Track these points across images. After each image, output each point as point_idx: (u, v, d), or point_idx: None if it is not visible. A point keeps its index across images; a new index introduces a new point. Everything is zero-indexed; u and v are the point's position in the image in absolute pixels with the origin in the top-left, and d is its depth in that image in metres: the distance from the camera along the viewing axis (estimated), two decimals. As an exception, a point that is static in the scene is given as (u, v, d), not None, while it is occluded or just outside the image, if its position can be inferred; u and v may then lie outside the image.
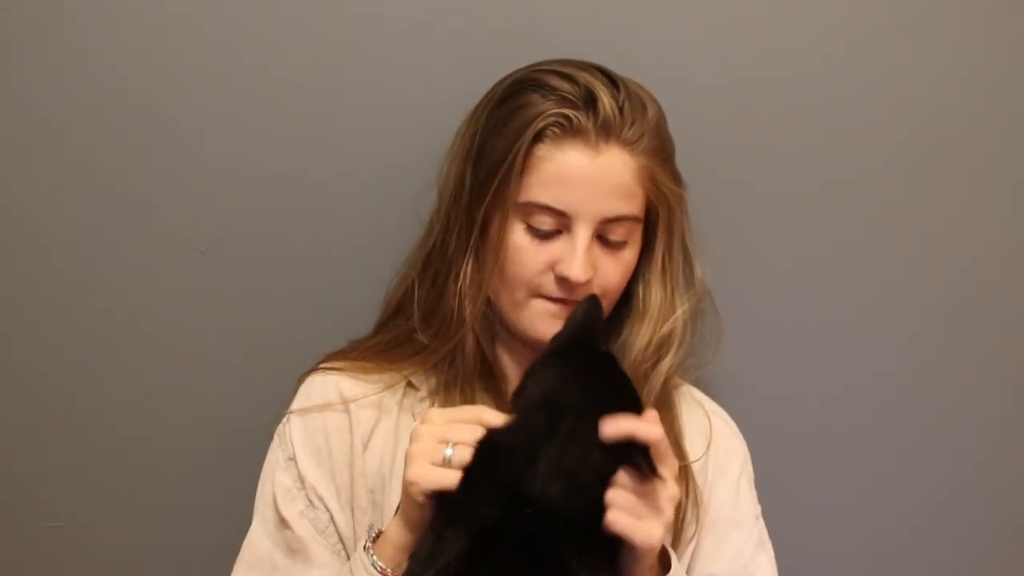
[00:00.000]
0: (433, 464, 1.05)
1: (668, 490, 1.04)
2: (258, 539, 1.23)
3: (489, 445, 1.06)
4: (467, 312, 1.20)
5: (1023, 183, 1.49)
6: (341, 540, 1.22)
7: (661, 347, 1.23)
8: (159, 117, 1.40)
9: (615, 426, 1.02)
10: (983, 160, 1.48)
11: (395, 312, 1.29)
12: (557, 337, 1.12)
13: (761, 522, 1.29)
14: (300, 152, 1.42)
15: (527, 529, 1.01)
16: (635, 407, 1.08)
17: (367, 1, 1.39)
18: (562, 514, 1.01)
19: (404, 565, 1.07)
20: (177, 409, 1.47)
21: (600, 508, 1.03)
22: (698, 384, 1.34)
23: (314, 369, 1.27)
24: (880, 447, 1.53)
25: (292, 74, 1.40)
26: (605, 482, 1.03)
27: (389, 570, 1.10)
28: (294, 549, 1.21)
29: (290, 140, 1.41)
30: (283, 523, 1.22)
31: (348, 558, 1.20)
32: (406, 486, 1.06)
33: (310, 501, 1.22)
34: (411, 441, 1.08)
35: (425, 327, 1.23)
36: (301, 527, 1.21)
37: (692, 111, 1.43)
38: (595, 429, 1.03)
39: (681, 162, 1.43)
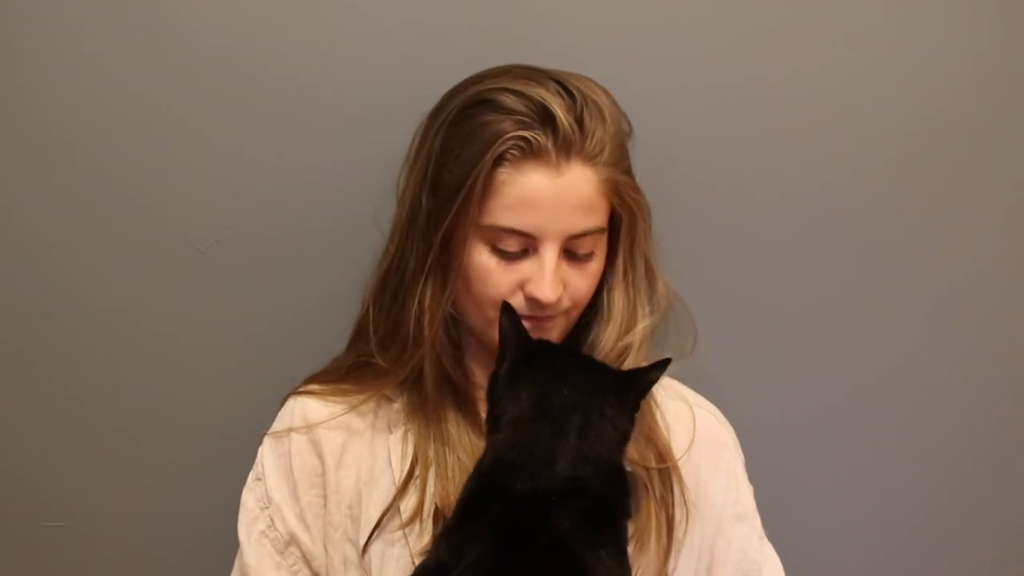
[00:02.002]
0: None
1: None
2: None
3: (495, 467, 1.09)
4: (426, 334, 1.19)
5: (1022, 183, 1.50)
6: (305, 558, 1.24)
7: (624, 352, 1.23)
8: (159, 117, 1.40)
9: None
10: (981, 162, 1.48)
11: (358, 334, 1.29)
12: (503, 357, 1.14)
13: (757, 513, 1.29)
14: (300, 153, 1.42)
15: (552, 520, 1.03)
16: (611, 371, 1.16)
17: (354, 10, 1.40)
18: (591, 490, 1.06)
19: None
20: (177, 409, 1.47)
21: (622, 479, 1.10)
22: (697, 389, 1.34)
23: (292, 391, 1.28)
24: (879, 451, 1.53)
25: (292, 75, 1.40)
26: (622, 448, 1.12)
27: None
28: (244, 574, 1.25)
29: (290, 141, 1.41)
30: (240, 550, 1.25)
31: (311, 575, 1.24)
32: None
33: (272, 521, 1.24)
34: None
35: (383, 351, 1.23)
36: (255, 551, 1.24)
37: (690, 113, 1.44)
38: (601, 411, 1.09)
39: (677, 165, 1.44)
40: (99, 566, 1.50)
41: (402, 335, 1.21)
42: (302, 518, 1.23)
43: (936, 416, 1.53)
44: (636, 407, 1.15)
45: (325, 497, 1.23)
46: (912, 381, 1.52)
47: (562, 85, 1.17)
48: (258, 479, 1.26)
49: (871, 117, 1.45)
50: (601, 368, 1.17)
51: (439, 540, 1.09)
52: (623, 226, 1.22)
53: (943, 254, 1.49)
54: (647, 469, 1.20)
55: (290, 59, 1.40)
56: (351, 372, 1.26)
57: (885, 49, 1.44)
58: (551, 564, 1.03)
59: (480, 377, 1.25)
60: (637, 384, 1.14)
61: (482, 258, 1.17)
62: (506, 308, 1.14)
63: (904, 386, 1.52)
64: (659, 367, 1.14)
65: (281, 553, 1.24)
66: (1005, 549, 1.57)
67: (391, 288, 1.23)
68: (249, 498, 1.26)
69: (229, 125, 1.41)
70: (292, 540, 1.23)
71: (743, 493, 1.28)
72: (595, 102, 1.18)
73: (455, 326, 1.24)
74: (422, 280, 1.19)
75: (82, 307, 1.44)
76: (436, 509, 1.18)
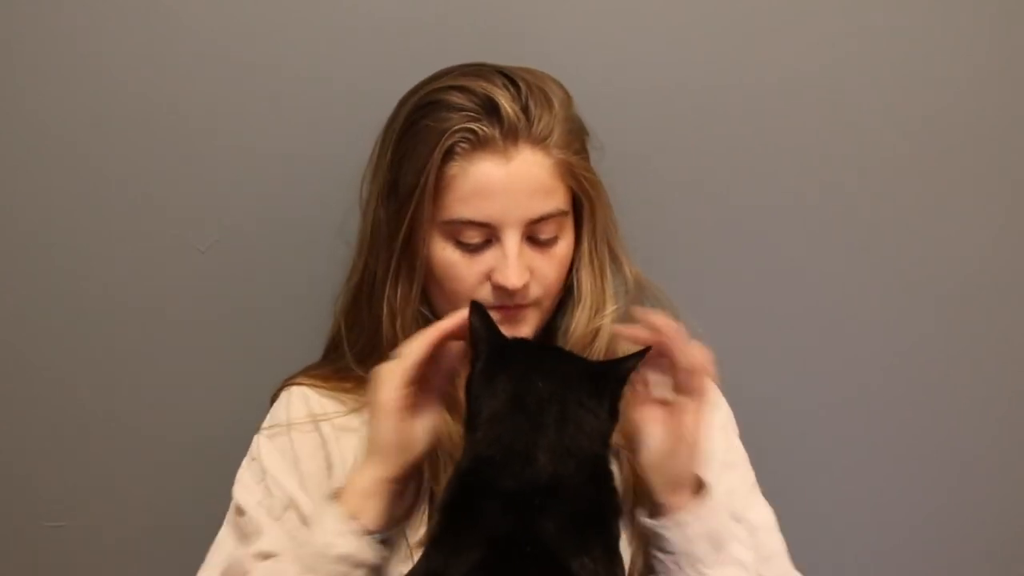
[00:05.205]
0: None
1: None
2: (222, 540, 1.24)
3: (476, 465, 1.07)
4: (400, 337, 1.19)
5: (1022, 183, 1.50)
6: (304, 522, 1.21)
7: (595, 336, 1.24)
8: (159, 117, 1.40)
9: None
10: (981, 162, 1.48)
11: (333, 348, 1.29)
12: (477, 356, 1.13)
13: (751, 470, 1.28)
14: (301, 153, 1.42)
15: (539, 526, 1.02)
16: (586, 362, 1.14)
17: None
18: (574, 490, 1.04)
19: (371, 514, 1.08)
20: (177, 408, 1.47)
21: (606, 476, 1.08)
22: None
23: (287, 382, 1.29)
24: (878, 451, 1.54)
25: (293, 75, 1.40)
26: (605, 441, 1.09)
27: (354, 519, 1.08)
28: (247, 533, 1.21)
29: (291, 141, 1.42)
30: (238, 511, 1.23)
31: None
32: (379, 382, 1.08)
33: (269, 490, 1.23)
34: None
35: (362, 364, 1.23)
36: (255, 512, 1.22)
37: (693, 110, 1.44)
38: (577, 399, 1.07)
39: (678, 161, 1.44)
40: (99, 566, 1.51)
41: (379, 343, 1.22)
42: (302, 483, 1.22)
43: (936, 416, 1.53)
44: (618, 396, 1.13)
45: (330, 465, 1.23)
46: (911, 380, 1.52)
47: (507, 76, 1.18)
48: (253, 459, 1.26)
49: (870, 117, 1.45)
50: (576, 360, 1.15)
51: (427, 549, 1.07)
52: (584, 209, 1.23)
53: (942, 254, 1.49)
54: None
55: (291, 59, 1.40)
56: (338, 375, 1.27)
57: (885, 49, 1.44)
58: None
59: (460, 374, 1.25)
60: (615, 373, 1.12)
61: (445, 253, 1.18)
62: (475, 307, 1.13)
63: (903, 385, 1.52)
64: (637, 356, 1.13)
65: (277, 518, 1.22)
66: (1005, 549, 1.57)
67: (363, 301, 1.24)
68: (245, 475, 1.25)
69: (229, 125, 1.41)
70: (290, 504, 1.22)
71: (734, 447, 1.27)
72: (541, 89, 1.19)
73: (428, 324, 1.23)
74: (388, 285, 1.20)
75: (82, 307, 1.44)
76: (431, 499, 1.18)
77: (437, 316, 1.24)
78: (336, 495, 1.10)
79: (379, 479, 1.09)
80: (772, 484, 1.29)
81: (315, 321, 1.36)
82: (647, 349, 1.14)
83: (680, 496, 1.11)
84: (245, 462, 1.27)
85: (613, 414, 1.12)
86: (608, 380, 1.12)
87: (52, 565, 1.50)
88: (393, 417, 1.09)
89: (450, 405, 1.23)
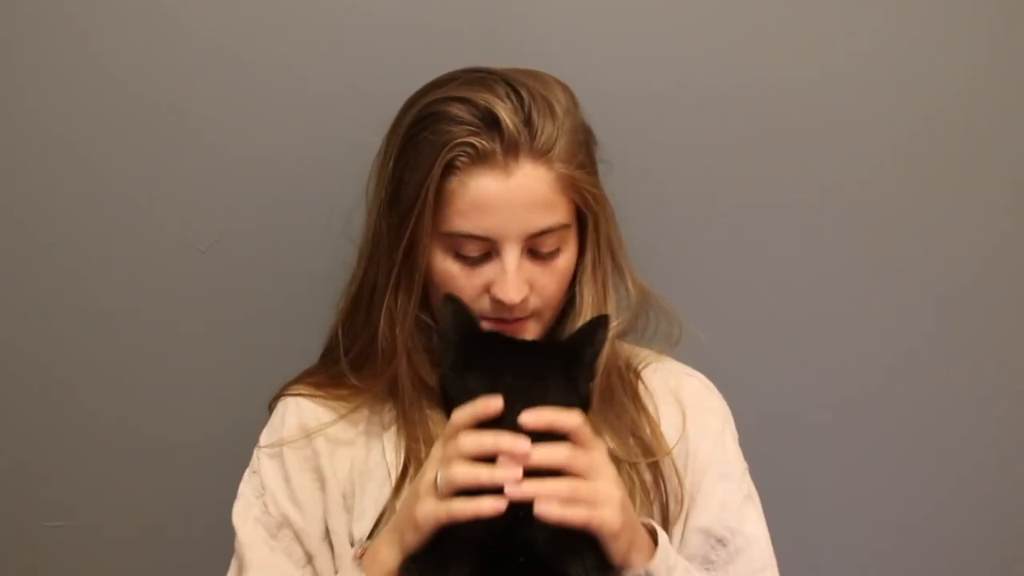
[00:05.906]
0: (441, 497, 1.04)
1: (603, 473, 1.05)
2: (231, 567, 1.25)
3: None
4: (397, 344, 1.20)
5: (1022, 183, 1.50)
6: (298, 537, 1.23)
7: None
8: (159, 117, 1.40)
9: (536, 418, 1.03)
10: (981, 162, 1.48)
11: (329, 353, 1.29)
12: (446, 350, 1.12)
13: (748, 477, 1.27)
14: (301, 153, 1.42)
15: (529, 536, 1.01)
16: (556, 347, 1.11)
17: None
18: None
19: None
20: (177, 408, 1.47)
21: None
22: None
23: (283, 392, 1.29)
24: (878, 451, 1.53)
25: (293, 75, 1.40)
26: None
27: None
28: (240, 554, 1.23)
29: (291, 141, 1.42)
30: (236, 537, 1.24)
31: (304, 555, 1.22)
32: (418, 519, 1.05)
33: (265, 507, 1.24)
34: (423, 471, 1.08)
35: (356, 371, 1.24)
36: (248, 533, 1.23)
37: (692, 111, 1.44)
38: (544, 396, 1.05)
39: (677, 162, 1.44)
40: (99, 566, 1.51)
41: (374, 351, 1.21)
42: (294, 499, 1.23)
43: (936, 416, 1.53)
44: (590, 376, 1.12)
45: (323, 479, 1.23)
46: (911, 380, 1.52)
47: (511, 86, 1.16)
48: (254, 472, 1.26)
49: (870, 117, 1.45)
50: (546, 348, 1.14)
51: (407, 564, 1.06)
52: (589, 222, 1.22)
53: (942, 254, 1.49)
54: (633, 465, 1.19)
55: (292, 60, 1.40)
56: (333, 382, 1.27)
57: (885, 49, 1.44)
58: None
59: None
60: (582, 350, 1.11)
61: (445, 265, 1.18)
62: (450, 298, 1.13)
63: (903, 385, 1.52)
64: (598, 325, 1.12)
65: (274, 536, 1.23)
66: (1005, 549, 1.57)
67: (362, 308, 1.23)
68: (246, 489, 1.26)
69: (229, 125, 1.41)
70: (284, 521, 1.23)
71: (730, 455, 1.27)
72: (545, 98, 1.17)
73: (429, 332, 1.24)
74: (388, 293, 1.19)
75: (82, 307, 1.44)
76: None
77: (437, 324, 1.23)
78: (361, 564, 1.11)
79: (399, 563, 1.08)
80: (772, 484, 1.29)
81: (315, 322, 1.36)
82: (603, 317, 1.13)
83: (637, 555, 1.08)
84: (246, 475, 1.27)
85: (586, 394, 1.11)
86: (575, 360, 1.10)
87: (52, 565, 1.50)
88: (429, 532, 1.06)
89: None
